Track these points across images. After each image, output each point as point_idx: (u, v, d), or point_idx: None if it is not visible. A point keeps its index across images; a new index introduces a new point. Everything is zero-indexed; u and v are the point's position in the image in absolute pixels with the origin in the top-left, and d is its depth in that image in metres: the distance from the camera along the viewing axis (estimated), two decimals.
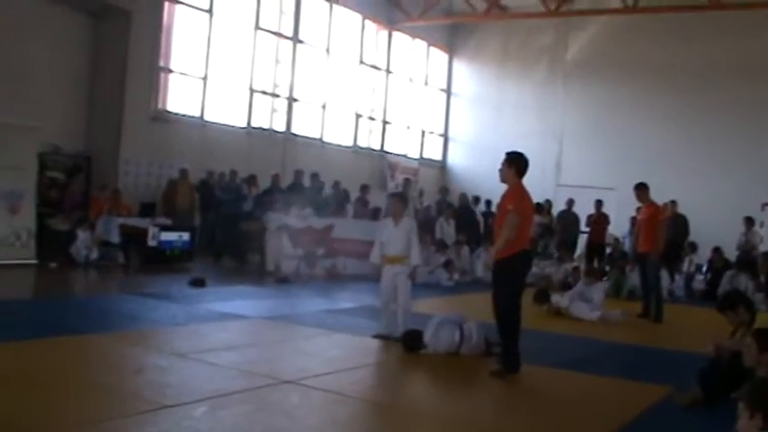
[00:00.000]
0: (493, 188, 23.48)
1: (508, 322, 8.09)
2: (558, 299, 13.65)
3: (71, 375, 6.82)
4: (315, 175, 19.16)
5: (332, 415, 6.38)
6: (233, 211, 17.71)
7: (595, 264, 19.65)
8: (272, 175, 18.79)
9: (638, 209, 15.01)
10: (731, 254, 19.03)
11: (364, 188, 20.78)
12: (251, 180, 18.70)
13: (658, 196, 14.76)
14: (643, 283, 14.35)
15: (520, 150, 8.59)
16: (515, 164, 8.39)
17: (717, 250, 18.96)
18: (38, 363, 7.06)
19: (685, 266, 19.65)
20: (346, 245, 17.19)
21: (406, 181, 21.31)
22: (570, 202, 21.15)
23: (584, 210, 20.90)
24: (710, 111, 23.52)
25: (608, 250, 20.59)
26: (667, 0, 21.27)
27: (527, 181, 8.49)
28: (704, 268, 19.55)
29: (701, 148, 23.47)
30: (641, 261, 14.32)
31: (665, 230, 14.33)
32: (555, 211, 21.48)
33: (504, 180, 8.43)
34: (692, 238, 20.05)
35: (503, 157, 8.52)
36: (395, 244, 9.72)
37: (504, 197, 8.41)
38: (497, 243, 8.21)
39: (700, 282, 19.14)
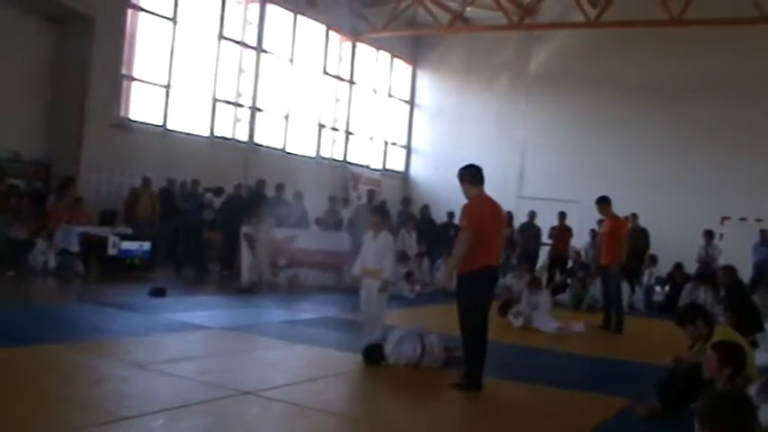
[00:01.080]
0: (455, 199, 23.50)
1: (472, 338, 8.07)
2: (511, 317, 13.69)
3: (28, 386, 6.73)
4: (280, 186, 19.10)
5: (292, 427, 6.37)
6: (195, 220, 17.61)
7: (557, 276, 19.79)
8: (234, 185, 18.74)
9: (600, 221, 15.15)
10: (691, 266, 19.23)
11: (333, 199, 20.78)
12: (219, 191, 18.60)
13: (620, 209, 14.91)
14: (604, 295, 14.48)
15: (477, 163, 8.59)
16: (465, 177, 8.46)
17: (678, 266, 19.14)
18: None
19: (645, 279, 19.81)
20: (308, 256, 17.19)
21: (370, 192, 21.32)
22: (532, 214, 21.26)
23: (546, 222, 21.03)
24: (671, 125, 23.76)
25: (570, 263, 20.72)
26: (629, 15, 21.44)
27: (489, 193, 8.50)
28: (664, 281, 19.73)
29: (663, 162, 23.68)
30: (603, 273, 14.45)
31: (627, 243, 14.44)
32: (516, 223, 21.55)
33: (467, 196, 8.43)
34: (652, 250, 20.24)
35: None
36: (371, 257, 9.80)
37: (462, 213, 8.36)
38: (450, 261, 8.19)
39: (659, 294, 19.33)
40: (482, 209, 8.30)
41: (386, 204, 18.62)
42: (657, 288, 19.68)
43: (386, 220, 11.43)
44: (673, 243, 20.43)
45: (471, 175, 8.47)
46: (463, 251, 7.99)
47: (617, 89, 24.56)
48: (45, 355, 8.04)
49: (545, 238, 21.23)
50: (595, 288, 17.38)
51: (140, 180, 17.82)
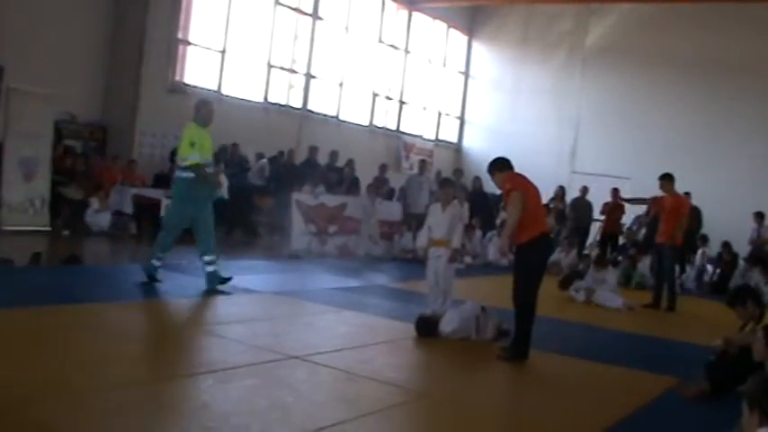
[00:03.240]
0: None
1: (526, 307, 8.09)
2: (573, 292, 13.70)
3: (81, 343, 6.85)
4: (334, 153, 19.13)
5: (338, 392, 6.39)
6: (237, 184, 17.64)
7: (608, 253, 19.61)
8: (286, 151, 18.81)
9: (654, 198, 14.93)
10: (743, 248, 18.96)
11: (383, 167, 20.78)
12: (281, 156, 18.73)
13: (676, 187, 14.72)
14: (656, 274, 14.34)
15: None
16: (495, 167, 8.64)
17: (726, 245, 18.92)
18: (47, 330, 7.09)
19: (697, 259, 19.57)
20: (359, 224, 17.24)
21: (422, 162, 21.26)
22: (584, 190, 21.01)
23: (598, 198, 20.80)
24: (727, 103, 23.38)
25: (621, 240, 20.52)
26: None
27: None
28: (715, 261, 19.50)
29: (719, 141, 23.34)
30: (659, 251, 14.28)
31: (686, 223, 14.22)
32: (569, 198, 21.38)
33: (500, 186, 8.68)
34: (704, 230, 19.98)
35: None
36: (440, 228, 9.99)
37: (504, 183, 8.44)
38: (507, 224, 8.21)
39: (710, 274, 19.11)
40: (521, 178, 8.46)
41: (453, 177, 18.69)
42: (709, 268, 19.43)
43: (455, 191, 11.61)
44: (726, 223, 20.17)
45: (500, 164, 8.64)
46: (518, 211, 8.01)
47: (674, 66, 24.19)
48: (96, 313, 8.17)
49: (597, 215, 21.01)
50: (644, 266, 17.24)
51: None
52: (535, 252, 8.16)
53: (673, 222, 13.67)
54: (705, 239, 19.89)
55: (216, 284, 10.10)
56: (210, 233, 10.35)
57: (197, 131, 10.16)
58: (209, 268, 10.20)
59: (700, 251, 19.70)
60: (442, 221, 10.01)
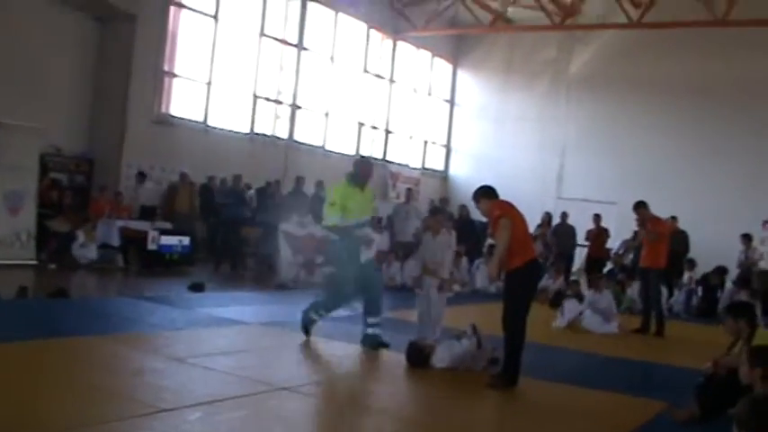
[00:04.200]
0: None
1: (515, 333, 8.07)
2: (559, 315, 13.69)
3: (67, 377, 6.80)
4: (319, 183, 19.17)
5: (329, 423, 6.39)
6: (233, 217, 17.69)
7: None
8: (273, 182, 18.85)
9: (640, 225, 15.00)
10: (732, 271, 19.00)
11: None
12: (269, 187, 18.79)
13: (660, 211, 14.78)
14: (643, 298, 14.37)
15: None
16: (480, 194, 8.67)
17: (718, 270, 18.95)
18: (34, 364, 7.05)
19: (686, 282, 19.59)
20: None
21: (409, 191, 21.29)
22: (564, 215, 21.01)
23: (585, 224, 20.85)
24: (713, 127, 23.55)
25: (608, 265, 20.54)
26: (672, 16, 21.27)
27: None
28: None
29: (704, 164, 23.46)
30: (643, 276, 14.33)
31: (668, 245, 14.29)
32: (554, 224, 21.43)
33: (486, 214, 8.65)
34: (692, 254, 20.02)
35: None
36: (431, 257, 10.05)
37: (490, 214, 8.47)
38: (497, 250, 8.20)
39: (698, 298, 19.12)
40: (507, 205, 8.47)
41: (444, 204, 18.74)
42: (700, 291, 19.46)
43: (445, 219, 11.71)
44: (714, 247, 20.21)
45: (485, 192, 8.67)
46: (508, 237, 8.00)
47: (658, 91, 24.36)
48: (84, 347, 8.13)
49: (581, 241, 21.04)
50: (633, 291, 17.25)
51: (178, 176, 17.98)
52: (525, 278, 8.15)
53: (654, 246, 13.76)
54: (693, 263, 19.93)
55: (373, 346, 9.63)
56: (378, 294, 9.93)
57: (345, 190, 9.70)
58: (371, 330, 9.72)
59: (688, 275, 19.73)
60: (432, 249, 10.07)
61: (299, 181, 19.00)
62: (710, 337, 13.65)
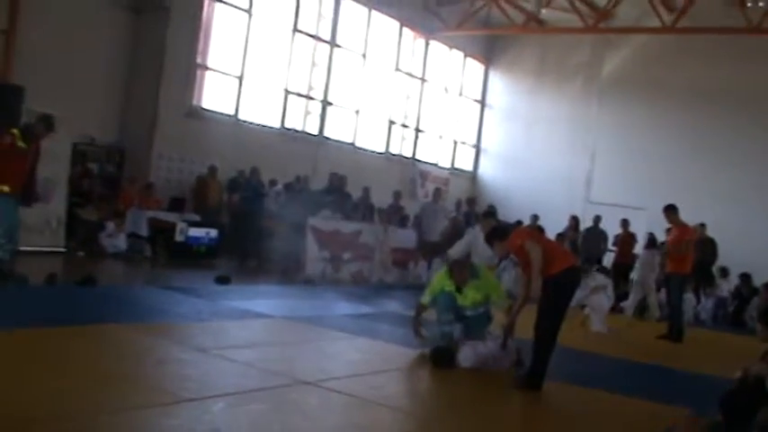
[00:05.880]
0: (523, 200, 23.52)
1: (547, 338, 8.03)
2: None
3: (93, 364, 6.85)
4: (342, 178, 19.18)
5: (350, 418, 6.38)
6: (252, 210, 17.69)
7: (620, 285, 19.50)
8: (302, 177, 18.90)
9: (669, 230, 14.95)
10: (763, 280, 18.83)
11: (397, 194, 20.84)
12: (297, 182, 18.91)
13: (690, 218, 14.71)
14: (668, 305, 14.33)
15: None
16: (495, 236, 8.83)
17: (745, 277, 18.83)
18: (60, 350, 7.09)
19: (719, 291, 19.46)
20: (374, 251, 17.25)
21: (437, 190, 21.28)
22: (597, 219, 20.97)
23: (613, 229, 20.75)
24: (746, 134, 23.34)
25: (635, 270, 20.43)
26: (706, 22, 21.12)
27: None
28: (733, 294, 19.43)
29: (736, 172, 23.26)
30: (668, 281, 14.30)
31: (693, 253, 14.23)
32: (583, 228, 21.35)
33: (503, 253, 9.15)
34: (723, 262, 19.90)
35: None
36: (482, 255, 10.16)
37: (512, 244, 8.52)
38: (534, 268, 8.09)
39: (729, 307, 18.99)
40: (524, 232, 8.85)
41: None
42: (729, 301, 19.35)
43: (495, 221, 11.89)
44: (745, 256, 20.10)
45: (500, 232, 8.86)
46: (540, 253, 7.98)
47: (691, 96, 24.18)
48: (109, 335, 8.18)
49: (610, 246, 20.95)
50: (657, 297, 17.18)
51: (207, 169, 18.07)
52: (562, 284, 8.10)
53: (677, 252, 13.73)
54: (725, 272, 19.80)
55: None
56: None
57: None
58: None
59: (720, 283, 19.61)
60: (485, 253, 10.17)
61: (333, 177, 18.96)
62: (737, 346, 13.60)
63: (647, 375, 10.42)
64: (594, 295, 13.64)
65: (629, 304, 17.45)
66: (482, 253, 10.40)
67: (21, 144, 10.60)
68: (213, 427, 5.41)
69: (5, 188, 10.48)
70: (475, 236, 12.09)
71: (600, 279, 13.97)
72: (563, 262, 8.17)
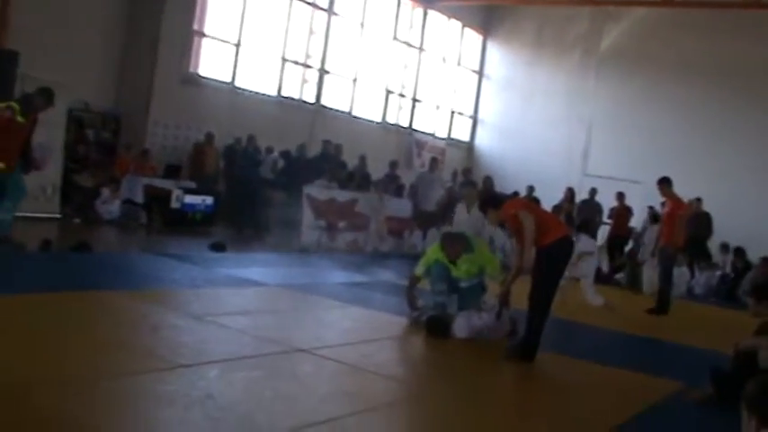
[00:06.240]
0: (519, 171, 23.50)
1: (541, 308, 8.05)
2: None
3: (88, 330, 6.88)
4: (338, 147, 19.18)
5: (342, 385, 6.42)
6: (248, 177, 17.67)
7: (616, 257, 19.55)
8: (297, 145, 18.89)
9: (663, 203, 14.98)
10: (757, 254, 18.88)
11: (393, 164, 20.83)
12: (294, 150, 18.91)
13: (685, 192, 14.72)
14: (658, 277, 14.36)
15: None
16: (488, 203, 8.85)
17: (738, 251, 18.91)
18: (54, 316, 7.11)
19: (725, 267, 19.51)
20: (369, 220, 17.27)
21: (433, 160, 21.25)
22: (593, 191, 21.00)
23: (609, 201, 20.77)
24: (745, 109, 23.28)
25: (630, 243, 20.47)
26: None
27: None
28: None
29: (732, 147, 23.25)
30: (660, 254, 14.31)
31: (684, 226, 14.20)
32: (579, 200, 21.36)
33: (499, 221, 8.93)
34: (723, 238, 19.95)
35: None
36: (465, 229, 10.10)
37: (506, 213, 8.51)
38: (526, 240, 8.11)
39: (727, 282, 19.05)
40: (519, 202, 8.88)
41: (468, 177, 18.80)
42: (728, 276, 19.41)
43: (479, 193, 11.85)
44: (740, 230, 20.15)
45: (494, 200, 8.88)
46: (531, 228, 7.96)
47: (689, 70, 24.13)
48: (103, 301, 8.19)
49: (605, 219, 20.98)
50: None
51: (204, 136, 18.04)
52: (555, 254, 8.11)
53: (670, 226, 13.73)
54: (727, 248, 19.84)
55: None
56: None
57: None
58: None
59: (722, 259, 19.66)
60: (467, 222, 10.13)
61: (326, 144, 18.99)
62: (732, 320, 13.66)
63: (640, 348, 10.50)
64: (581, 263, 13.58)
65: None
66: (465, 227, 10.37)
67: (19, 119, 10.61)
68: (207, 393, 5.44)
69: (2, 165, 10.51)
70: (460, 210, 12.06)
71: (586, 243, 13.91)
72: (556, 232, 8.18)
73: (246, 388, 5.84)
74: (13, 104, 10.71)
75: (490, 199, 8.86)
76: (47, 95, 11.21)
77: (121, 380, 5.54)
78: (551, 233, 8.08)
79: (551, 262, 8.08)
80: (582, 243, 13.59)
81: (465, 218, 10.32)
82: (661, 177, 13.92)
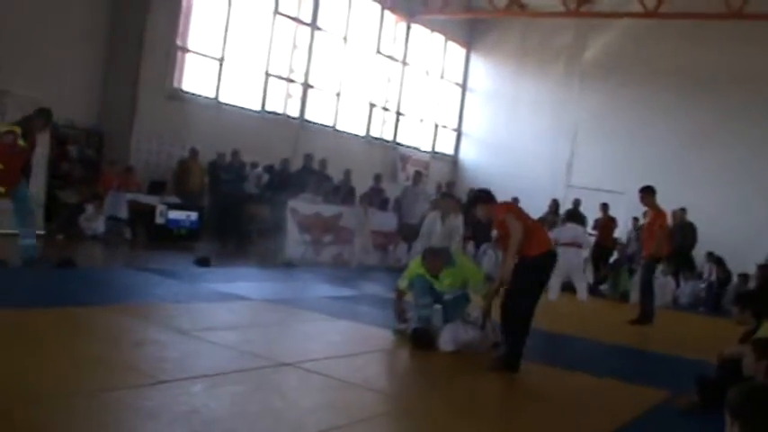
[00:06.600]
0: (504, 184, 23.53)
1: (521, 321, 8.04)
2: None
3: (70, 345, 6.83)
4: (322, 162, 19.21)
5: (328, 399, 6.39)
6: (233, 193, 17.66)
7: (600, 267, 19.60)
8: (281, 160, 18.88)
9: (645, 212, 14.99)
10: (741, 265, 18.93)
11: (378, 178, 20.84)
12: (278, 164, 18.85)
13: (670, 203, 14.77)
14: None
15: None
16: (481, 199, 8.75)
17: (718, 261, 19.03)
18: (37, 332, 7.06)
19: (706, 276, 19.57)
20: (354, 234, 17.26)
21: (417, 174, 21.28)
22: (576, 202, 21.04)
23: (593, 213, 20.83)
24: (728, 119, 23.37)
25: (615, 254, 20.53)
26: (687, 7, 21.17)
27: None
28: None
29: (717, 156, 23.31)
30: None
31: (668, 236, 14.16)
32: (563, 211, 21.40)
33: (485, 216, 8.79)
34: (709, 248, 20.00)
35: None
36: (438, 239, 10.12)
37: (496, 215, 8.52)
38: (510, 248, 8.13)
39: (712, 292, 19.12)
40: (510, 206, 8.66)
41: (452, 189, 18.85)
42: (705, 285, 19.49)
43: (459, 204, 11.91)
44: (725, 240, 20.21)
45: (479, 198, 8.82)
46: (518, 236, 7.95)
47: (672, 81, 24.22)
48: (87, 316, 8.16)
49: (589, 230, 21.01)
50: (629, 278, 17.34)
51: (188, 151, 18.00)
52: (538, 267, 8.12)
53: (651, 238, 13.68)
54: (712, 256, 19.89)
55: None
56: None
57: None
58: None
59: (707, 268, 19.72)
60: (440, 232, 10.12)
61: (307, 158, 19.01)
62: (715, 329, 13.70)
63: (626, 358, 10.51)
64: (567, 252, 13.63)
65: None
66: (439, 236, 10.42)
67: (21, 143, 10.62)
68: (192, 408, 5.41)
69: (1, 189, 10.54)
70: (433, 220, 12.14)
71: (574, 229, 13.92)
72: (542, 245, 8.19)
73: (232, 402, 5.80)
74: (15, 128, 10.71)
75: (484, 194, 8.75)
76: (46, 116, 11.27)
77: (102, 395, 5.49)
78: (536, 245, 8.08)
79: (533, 273, 8.08)
80: (568, 231, 13.63)
81: (438, 227, 10.35)
82: (643, 186, 13.81)
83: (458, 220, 10.76)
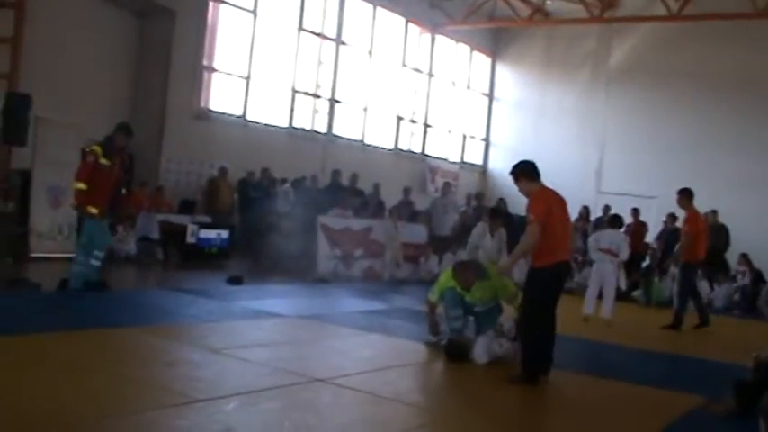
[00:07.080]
0: None
1: (528, 332, 7.98)
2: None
3: (105, 367, 6.88)
4: (353, 176, 19.24)
5: (363, 414, 6.39)
6: (263, 210, 17.72)
7: (633, 272, 19.45)
8: (310, 176, 18.92)
9: (670, 216, 14.87)
10: None
11: (407, 190, 20.85)
12: (305, 180, 18.91)
13: (702, 205, 14.61)
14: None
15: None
16: (521, 173, 8.28)
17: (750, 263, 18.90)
18: (71, 353, 7.13)
19: (739, 278, 19.39)
20: (385, 247, 17.26)
21: (446, 185, 21.25)
22: (606, 209, 20.90)
23: (625, 218, 20.66)
24: (758, 121, 23.18)
25: (647, 260, 20.38)
26: (712, 8, 21.04)
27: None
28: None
29: (747, 158, 23.07)
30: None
31: (694, 240, 13.93)
32: (593, 217, 21.30)
33: (525, 194, 8.30)
34: (741, 250, 19.82)
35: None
36: (489, 252, 10.43)
37: (527, 207, 8.23)
38: (516, 250, 8.20)
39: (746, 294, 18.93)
40: (548, 200, 8.13)
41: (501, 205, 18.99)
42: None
43: (502, 219, 12.29)
44: (758, 243, 20.03)
45: (528, 171, 8.28)
46: (530, 245, 7.89)
47: (699, 84, 24.03)
48: (121, 338, 8.22)
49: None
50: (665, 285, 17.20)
51: (218, 170, 18.09)
52: (552, 277, 7.95)
53: (686, 240, 13.56)
54: (746, 258, 19.72)
55: None
56: None
57: None
58: None
59: (741, 270, 19.55)
60: (491, 246, 10.48)
61: (335, 174, 19.04)
62: (749, 333, 13.56)
63: (661, 364, 10.41)
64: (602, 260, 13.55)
65: None
66: (489, 250, 10.57)
67: (103, 161, 10.73)
68: (226, 426, 5.43)
69: (94, 210, 10.67)
70: (481, 233, 12.23)
71: (613, 235, 13.86)
72: (560, 254, 8.01)
73: (265, 420, 5.82)
74: (95, 148, 10.87)
75: (530, 170, 8.27)
76: (125, 130, 11.44)
77: (136, 416, 5.53)
78: (553, 254, 7.90)
79: (544, 284, 7.94)
80: (607, 237, 13.59)
81: (487, 240, 10.59)
82: (681, 188, 13.68)
83: (504, 235, 10.98)
